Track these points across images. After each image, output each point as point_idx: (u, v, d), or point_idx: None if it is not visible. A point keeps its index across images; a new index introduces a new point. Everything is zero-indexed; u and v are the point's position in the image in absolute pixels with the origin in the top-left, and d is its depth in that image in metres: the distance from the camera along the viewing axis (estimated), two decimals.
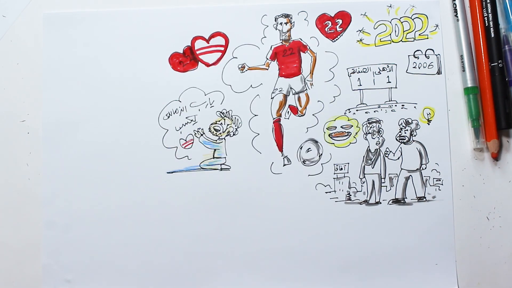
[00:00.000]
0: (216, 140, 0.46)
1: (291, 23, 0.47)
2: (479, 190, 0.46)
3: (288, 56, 0.47)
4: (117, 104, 0.46)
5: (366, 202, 0.46)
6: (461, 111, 0.47)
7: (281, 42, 0.47)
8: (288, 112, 0.47)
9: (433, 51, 0.47)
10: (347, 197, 0.46)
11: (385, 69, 0.47)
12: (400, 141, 0.46)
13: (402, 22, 0.48)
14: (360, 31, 0.47)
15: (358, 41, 0.47)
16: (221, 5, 0.47)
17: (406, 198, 0.46)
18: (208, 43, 0.47)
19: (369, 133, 0.46)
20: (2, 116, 0.46)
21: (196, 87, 0.47)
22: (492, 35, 0.47)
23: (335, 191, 0.46)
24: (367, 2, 0.48)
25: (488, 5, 0.47)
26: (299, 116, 0.47)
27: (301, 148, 0.46)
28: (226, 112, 0.46)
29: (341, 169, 0.46)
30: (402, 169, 0.46)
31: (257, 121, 0.46)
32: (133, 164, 0.45)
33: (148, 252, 0.45)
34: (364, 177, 0.46)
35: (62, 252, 0.44)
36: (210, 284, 0.45)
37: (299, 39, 0.47)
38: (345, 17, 0.47)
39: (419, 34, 0.47)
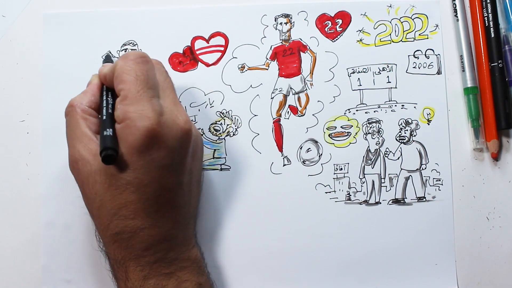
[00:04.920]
0: (216, 140, 0.46)
1: (291, 23, 0.47)
2: (479, 190, 0.46)
3: (288, 56, 0.47)
4: None
5: (366, 202, 0.46)
6: (461, 111, 0.47)
7: (281, 42, 0.47)
8: (288, 112, 0.47)
9: (433, 51, 0.47)
10: (347, 197, 0.46)
11: (385, 69, 0.47)
12: (400, 141, 0.46)
13: (402, 22, 0.48)
14: (360, 31, 0.47)
15: (358, 41, 0.47)
16: (221, 5, 0.47)
17: (406, 198, 0.46)
18: (208, 43, 0.47)
19: (369, 133, 0.46)
20: (1, 116, 0.46)
21: (196, 87, 0.47)
22: (492, 35, 0.47)
23: (335, 191, 0.46)
24: (367, 2, 0.48)
25: (488, 5, 0.47)
26: (299, 116, 0.47)
27: (301, 148, 0.46)
28: (226, 112, 0.46)
29: (341, 169, 0.46)
30: (402, 169, 0.46)
31: (257, 121, 0.46)
32: None
33: None
34: (364, 177, 0.46)
35: (62, 252, 0.44)
36: None
37: (299, 39, 0.47)
38: (345, 17, 0.47)
39: (419, 34, 0.47)
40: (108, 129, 0.36)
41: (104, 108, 0.38)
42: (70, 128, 0.39)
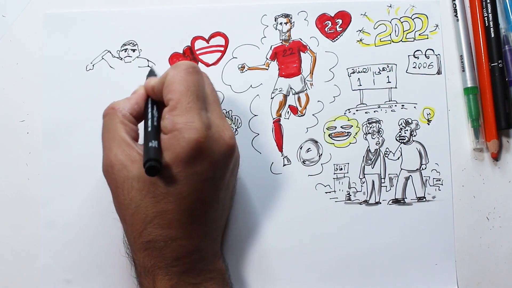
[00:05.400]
0: None
1: (291, 23, 0.47)
2: (479, 190, 0.46)
3: (288, 56, 0.47)
4: None
5: (366, 202, 0.46)
6: (461, 111, 0.47)
7: (281, 42, 0.47)
8: (288, 112, 0.47)
9: (433, 51, 0.47)
10: (347, 197, 0.46)
11: (385, 69, 0.47)
12: (400, 141, 0.46)
13: (402, 22, 0.48)
14: (360, 31, 0.47)
15: (358, 41, 0.47)
16: (221, 5, 0.47)
17: (406, 198, 0.46)
18: (208, 43, 0.47)
19: (369, 133, 0.46)
20: (1, 116, 0.46)
21: None
22: (492, 35, 0.47)
23: (335, 191, 0.46)
24: (367, 2, 0.48)
25: (488, 5, 0.47)
26: (299, 116, 0.47)
27: (301, 148, 0.46)
28: (226, 112, 0.46)
29: (341, 169, 0.46)
30: (402, 169, 0.46)
31: (257, 121, 0.46)
32: None
33: None
34: (364, 177, 0.46)
35: (62, 252, 0.44)
36: None
37: (299, 39, 0.47)
38: (345, 17, 0.47)
39: (419, 34, 0.47)
40: (153, 141, 0.36)
41: (149, 120, 0.38)
42: (107, 130, 0.38)
